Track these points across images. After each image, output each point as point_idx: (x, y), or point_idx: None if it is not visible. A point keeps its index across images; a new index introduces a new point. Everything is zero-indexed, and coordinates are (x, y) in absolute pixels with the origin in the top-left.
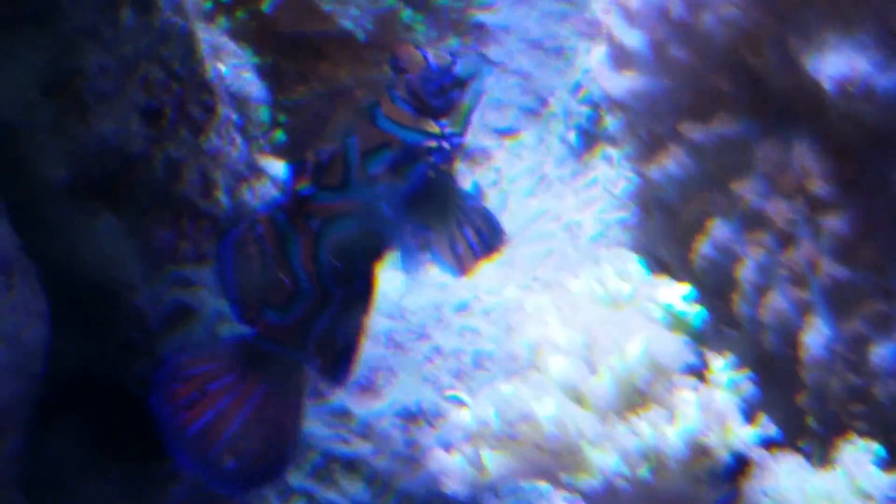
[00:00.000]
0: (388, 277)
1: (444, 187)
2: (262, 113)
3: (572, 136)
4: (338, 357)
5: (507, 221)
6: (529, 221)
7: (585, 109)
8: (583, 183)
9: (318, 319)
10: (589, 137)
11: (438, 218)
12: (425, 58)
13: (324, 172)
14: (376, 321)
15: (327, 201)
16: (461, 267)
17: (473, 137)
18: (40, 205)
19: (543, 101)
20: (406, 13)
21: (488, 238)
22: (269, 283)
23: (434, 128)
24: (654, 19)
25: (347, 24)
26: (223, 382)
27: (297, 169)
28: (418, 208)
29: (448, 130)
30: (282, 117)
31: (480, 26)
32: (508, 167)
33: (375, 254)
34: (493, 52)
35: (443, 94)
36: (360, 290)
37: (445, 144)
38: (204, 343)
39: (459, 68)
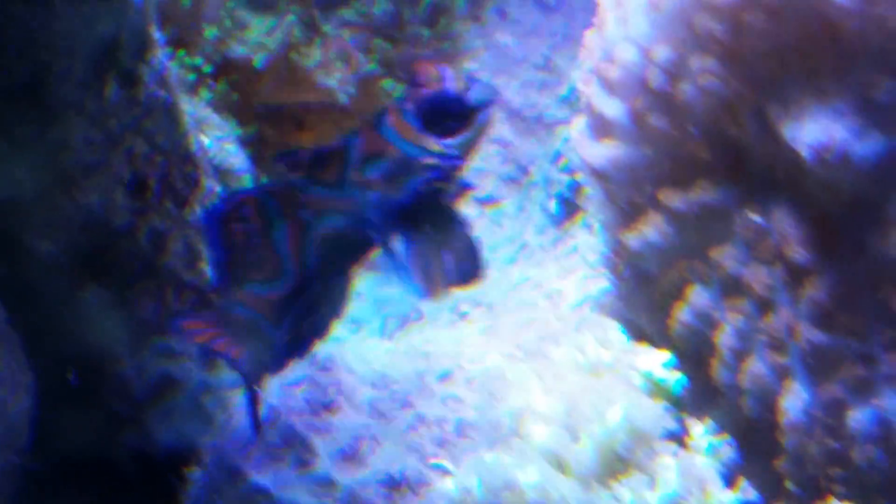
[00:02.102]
0: (371, 345)
1: (435, 206)
2: (245, 184)
3: (553, 205)
4: (303, 335)
5: (488, 290)
6: (511, 289)
7: (566, 178)
8: (563, 250)
9: (295, 304)
10: (569, 205)
11: (422, 235)
12: (443, 77)
13: (320, 166)
14: (360, 391)
15: (320, 196)
16: (429, 289)
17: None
18: (26, 277)
19: (524, 170)
20: (387, 82)
21: (466, 268)
22: (253, 259)
23: (436, 146)
24: (634, 89)
25: (331, 83)
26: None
27: (290, 158)
28: (406, 221)
29: (450, 151)
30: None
31: None
32: (489, 235)
33: (357, 254)
34: None
35: (451, 117)
36: (335, 286)
37: (444, 164)
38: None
39: (473, 94)
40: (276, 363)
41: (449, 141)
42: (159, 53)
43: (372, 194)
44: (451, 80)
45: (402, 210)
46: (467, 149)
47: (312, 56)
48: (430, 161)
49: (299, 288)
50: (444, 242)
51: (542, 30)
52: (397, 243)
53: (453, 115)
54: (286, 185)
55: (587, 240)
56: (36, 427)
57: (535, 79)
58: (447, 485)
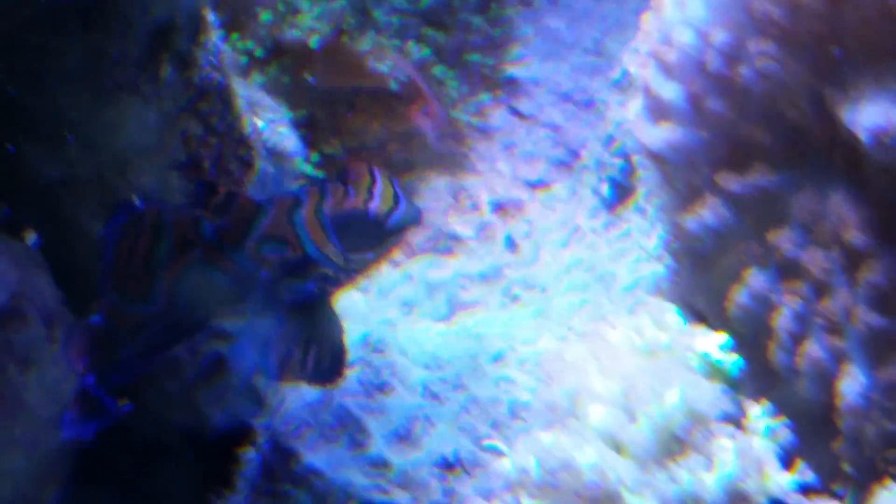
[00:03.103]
0: (424, 327)
1: (316, 302)
2: (299, 166)
3: (605, 188)
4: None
5: (540, 272)
6: (563, 272)
7: (618, 161)
8: (616, 234)
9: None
10: (622, 189)
11: (294, 323)
12: (372, 193)
13: (227, 220)
14: (413, 372)
15: (215, 249)
16: (279, 374)
17: (505, 191)
18: (81, 259)
19: (575, 154)
20: (438, 68)
21: (324, 368)
22: (127, 274)
23: (338, 258)
24: (692, 72)
25: (383, 69)
26: None
27: (205, 191)
28: (284, 306)
29: (349, 266)
30: (319, 173)
31: (512, 80)
32: (541, 219)
33: (220, 315)
34: (523, 104)
35: (362, 237)
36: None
37: (341, 276)
38: None
39: (394, 219)
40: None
41: (353, 256)
42: (213, 36)
43: (261, 273)
44: (377, 199)
45: (284, 298)
46: (367, 267)
47: (364, 41)
48: (326, 271)
49: (161, 318)
50: (312, 338)
51: (593, 14)
52: (268, 321)
53: (366, 234)
54: (192, 219)
55: (640, 223)
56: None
57: (586, 63)
58: (504, 465)
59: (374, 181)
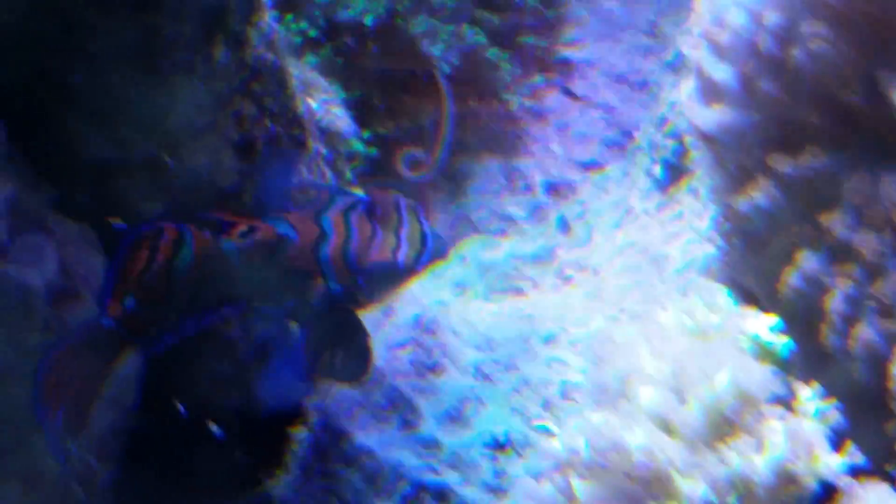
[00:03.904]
0: (476, 308)
1: (338, 310)
2: (352, 147)
3: (658, 170)
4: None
5: (592, 254)
6: (616, 254)
7: (671, 143)
8: (668, 215)
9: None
10: (674, 170)
11: (321, 329)
12: (400, 223)
13: (251, 242)
14: (464, 353)
15: (240, 267)
16: (311, 374)
17: (558, 172)
18: None
19: (628, 135)
20: (492, 51)
21: (352, 368)
22: (145, 281)
23: (362, 297)
24: (744, 54)
25: (434, 52)
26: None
27: (223, 224)
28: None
29: (366, 298)
30: (371, 150)
31: (565, 62)
32: (594, 200)
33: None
34: (577, 85)
35: (388, 283)
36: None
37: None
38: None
39: (421, 263)
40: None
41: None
42: (267, 16)
43: (286, 299)
44: (405, 246)
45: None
46: (383, 297)
47: (417, 24)
48: (346, 303)
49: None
50: (338, 341)
51: None
52: (295, 328)
53: (393, 281)
54: (215, 242)
55: (693, 205)
56: (143, 387)
57: (640, 44)
58: (553, 445)
59: (401, 222)
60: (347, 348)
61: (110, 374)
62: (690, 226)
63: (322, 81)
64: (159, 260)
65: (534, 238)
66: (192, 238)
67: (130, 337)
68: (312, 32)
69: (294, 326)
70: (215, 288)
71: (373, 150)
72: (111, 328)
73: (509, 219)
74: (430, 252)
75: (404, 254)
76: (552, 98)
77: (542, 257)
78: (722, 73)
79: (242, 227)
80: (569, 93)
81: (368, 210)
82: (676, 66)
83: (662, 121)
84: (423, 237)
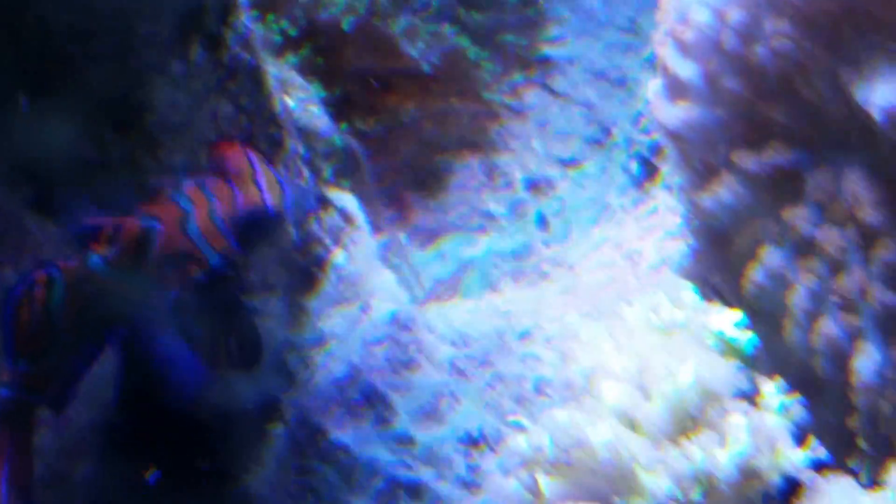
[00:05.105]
0: (452, 306)
1: (222, 295)
2: (330, 145)
3: (634, 166)
4: (59, 391)
5: (570, 250)
6: (592, 250)
7: (647, 139)
8: (644, 211)
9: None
10: (650, 166)
11: (208, 321)
12: (255, 176)
13: (118, 246)
14: (440, 349)
15: (111, 279)
16: (212, 370)
17: (538, 169)
18: None
19: (607, 132)
20: (472, 51)
21: (248, 353)
22: (33, 336)
23: (241, 259)
24: (708, 51)
25: (413, 53)
26: None
27: (91, 231)
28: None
29: (250, 264)
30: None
31: (546, 60)
32: (572, 197)
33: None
34: (557, 83)
35: (261, 234)
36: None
37: (242, 275)
38: None
39: (287, 209)
40: None
41: (248, 248)
42: (243, 17)
43: (167, 292)
44: (267, 191)
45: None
46: (266, 261)
47: (397, 23)
48: (231, 274)
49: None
50: (229, 329)
51: None
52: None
53: (265, 231)
54: (80, 262)
55: (667, 200)
56: (120, 383)
57: (620, 41)
58: (519, 442)
59: (255, 171)
60: (238, 333)
61: (31, 442)
62: (664, 221)
63: (300, 80)
64: (36, 310)
65: (512, 234)
66: (59, 273)
67: (34, 398)
68: (293, 32)
69: (182, 319)
70: (94, 311)
71: (353, 139)
72: (11, 397)
73: (489, 215)
74: (292, 198)
75: (269, 198)
76: (532, 95)
77: (521, 253)
78: (687, 70)
79: (108, 231)
80: (549, 90)
81: (217, 168)
82: (654, 62)
83: (638, 117)
84: (280, 184)
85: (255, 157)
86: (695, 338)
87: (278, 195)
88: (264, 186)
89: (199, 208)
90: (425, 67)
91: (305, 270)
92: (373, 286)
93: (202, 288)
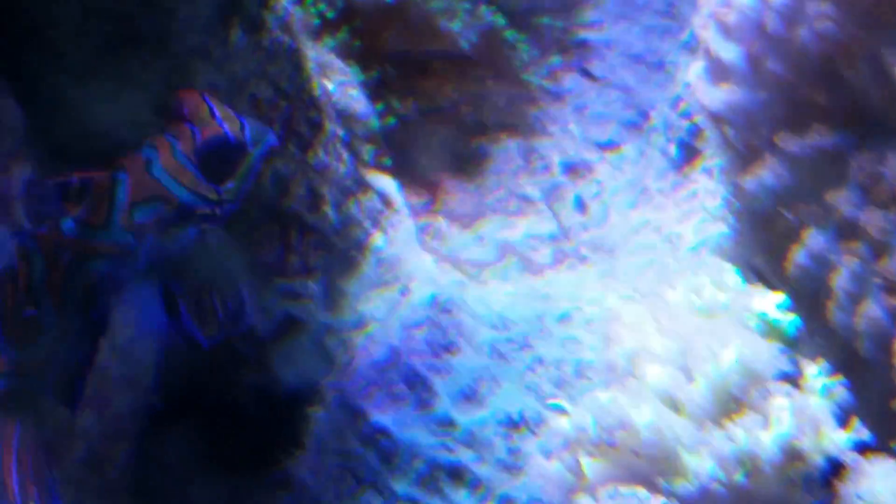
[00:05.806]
0: (492, 289)
1: (201, 247)
2: (369, 128)
3: (673, 149)
4: (69, 383)
5: (609, 233)
6: (631, 233)
7: (686, 122)
8: (683, 195)
9: (60, 349)
10: (689, 150)
11: (191, 279)
12: (212, 113)
13: (87, 202)
14: (480, 332)
15: (85, 239)
16: (205, 335)
17: (576, 152)
18: None
19: (644, 115)
20: (510, 33)
21: (232, 313)
22: (22, 320)
23: (212, 193)
24: (751, 33)
25: (453, 27)
26: None
27: (57, 189)
28: (174, 266)
29: (225, 198)
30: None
31: (583, 43)
32: (610, 180)
33: (116, 292)
34: (595, 66)
35: (226, 164)
36: (95, 321)
37: (218, 212)
38: None
39: (247, 134)
40: None
41: (224, 187)
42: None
43: (147, 239)
44: (226, 122)
45: (177, 259)
46: (241, 194)
47: (435, 2)
48: (205, 211)
49: (61, 333)
50: (211, 286)
51: None
52: (169, 290)
53: (230, 160)
54: (52, 226)
55: (706, 184)
56: (161, 367)
57: (658, 25)
58: (562, 424)
59: (212, 109)
60: (219, 289)
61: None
62: (703, 205)
63: (339, 63)
64: (21, 287)
65: (550, 218)
66: (35, 245)
67: (34, 384)
68: (330, 14)
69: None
70: (75, 278)
71: (391, 121)
72: (9, 386)
73: (527, 199)
74: (249, 129)
75: (227, 126)
76: (570, 79)
77: (559, 237)
78: (729, 52)
79: (76, 187)
80: (586, 74)
81: (177, 115)
82: (692, 46)
83: (677, 101)
84: (238, 118)
85: (211, 99)
86: (737, 319)
87: (237, 126)
88: (221, 118)
89: (161, 151)
90: (464, 45)
91: (345, 254)
92: (412, 269)
93: (179, 232)
